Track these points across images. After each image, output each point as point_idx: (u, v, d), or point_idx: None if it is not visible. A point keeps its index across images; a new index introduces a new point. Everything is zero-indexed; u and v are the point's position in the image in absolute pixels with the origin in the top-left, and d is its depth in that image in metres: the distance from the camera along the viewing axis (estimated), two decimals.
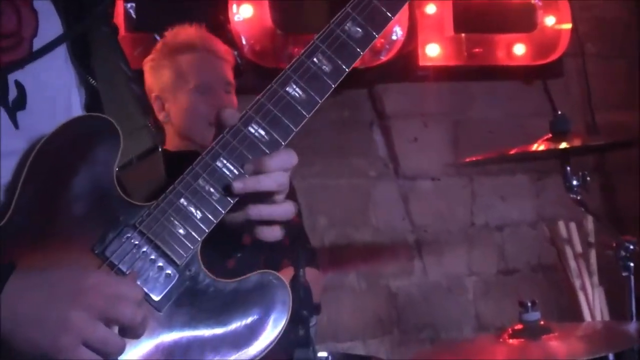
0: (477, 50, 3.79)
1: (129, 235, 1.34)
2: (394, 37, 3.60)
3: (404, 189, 3.90)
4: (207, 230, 1.37)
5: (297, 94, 1.41)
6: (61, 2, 1.45)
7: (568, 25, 3.85)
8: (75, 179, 1.36)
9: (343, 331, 3.72)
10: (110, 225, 1.35)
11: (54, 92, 1.44)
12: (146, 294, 1.32)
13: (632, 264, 2.76)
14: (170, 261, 1.35)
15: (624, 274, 2.75)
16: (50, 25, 1.43)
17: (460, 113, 4.01)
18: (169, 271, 1.35)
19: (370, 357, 3.40)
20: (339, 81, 1.42)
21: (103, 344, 1.24)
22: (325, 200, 3.74)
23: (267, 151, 1.39)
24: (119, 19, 3.30)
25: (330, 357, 2.51)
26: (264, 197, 1.39)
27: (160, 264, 1.34)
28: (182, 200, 1.36)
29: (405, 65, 3.69)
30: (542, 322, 2.59)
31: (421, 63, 3.70)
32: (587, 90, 4.07)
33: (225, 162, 1.38)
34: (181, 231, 1.35)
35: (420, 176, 3.93)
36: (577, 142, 2.86)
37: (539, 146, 2.86)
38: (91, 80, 1.47)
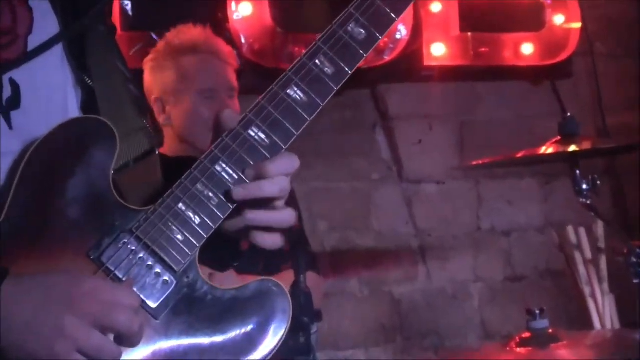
0: (483, 49, 3.77)
1: (125, 240, 1.33)
2: (398, 36, 3.58)
3: (408, 192, 3.89)
4: (205, 236, 1.35)
5: (298, 97, 1.39)
6: (58, 1, 1.44)
7: (578, 24, 3.84)
8: (71, 182, 1.34)
9: (344, 339, 3.71)
10: (107, 231, 1.33)
11: (50, 91, 1.42)
12: (143, 301, 1.31)
13: None
14: (168, 268, 1.33)
15: (635, 280, 2.72)
16: (46, 24, 1.42)
17: (466, 114, 3.99)
18: (166, 278, 1.33)
19: None
20: (341, 84, 1.40)
21: (98, 351, 1.23)
22: (326, 204, 3.73)
23: (268, 155, 1.37)
24: (115, 17, 3.26)
25: None
26: (264, 202, 1.37)
27: (158, 270, 1.33)
28: (180, 205, 1.34)
29: (409, 65, 3.68)
30: (550, 330, 2.60)
31: (426, 63, 3.70)
32: (597, 91, 4.05)
33: (224, 166, 1.36)
34: (179, 237, 1.34)
35: (425, 179, 3.92)
36: (586, 145, 2.85)
37: (547, 149, 2.84)
38: (87, 80, 1.46)
